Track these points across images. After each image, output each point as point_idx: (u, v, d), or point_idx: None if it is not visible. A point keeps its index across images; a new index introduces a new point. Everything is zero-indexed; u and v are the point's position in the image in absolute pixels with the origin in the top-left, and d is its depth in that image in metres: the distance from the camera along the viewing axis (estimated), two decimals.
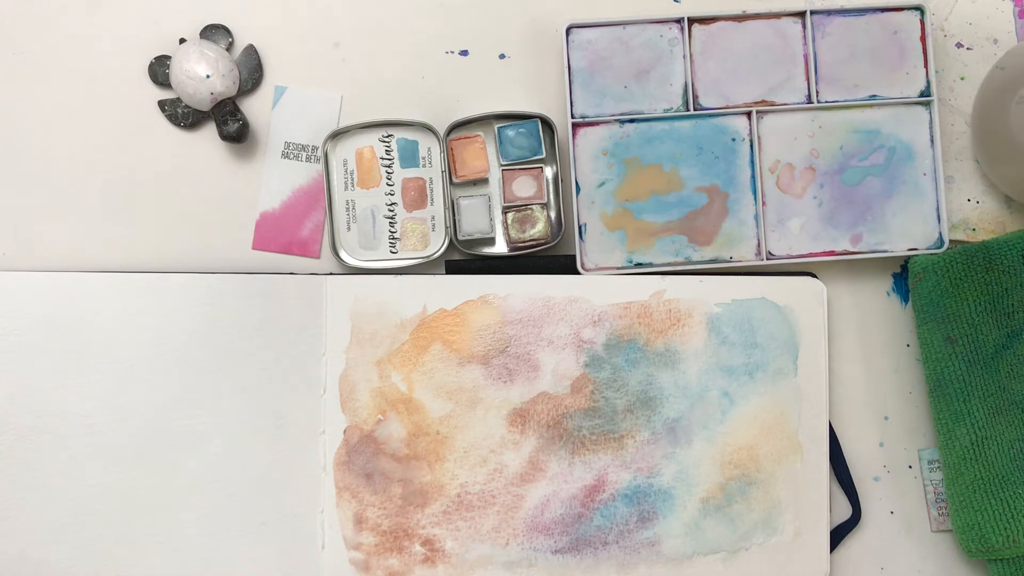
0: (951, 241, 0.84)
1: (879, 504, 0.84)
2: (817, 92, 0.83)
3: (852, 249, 0.83)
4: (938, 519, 0.83)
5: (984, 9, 0.86)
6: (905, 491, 0.84)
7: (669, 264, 0.83)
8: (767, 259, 0.82)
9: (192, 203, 0.84)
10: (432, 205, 0.83)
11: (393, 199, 0.83)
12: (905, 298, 0.85)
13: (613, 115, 0.83)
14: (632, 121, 0.83)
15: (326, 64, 0.85)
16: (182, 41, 0.84)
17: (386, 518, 0.81)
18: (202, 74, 0.81)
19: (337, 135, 0.83)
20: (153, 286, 0.81)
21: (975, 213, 0.84)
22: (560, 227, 0.83)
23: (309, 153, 0.84)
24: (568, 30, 0.83)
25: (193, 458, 0.81)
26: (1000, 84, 0.80)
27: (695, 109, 0.83)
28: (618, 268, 0.82)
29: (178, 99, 0.84)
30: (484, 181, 0.83)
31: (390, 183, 0.83)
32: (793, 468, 0.82)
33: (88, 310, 0.80)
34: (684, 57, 0.83)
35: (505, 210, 0.83)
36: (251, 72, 0.84)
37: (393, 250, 0.83)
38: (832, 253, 0.83)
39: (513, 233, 0.82)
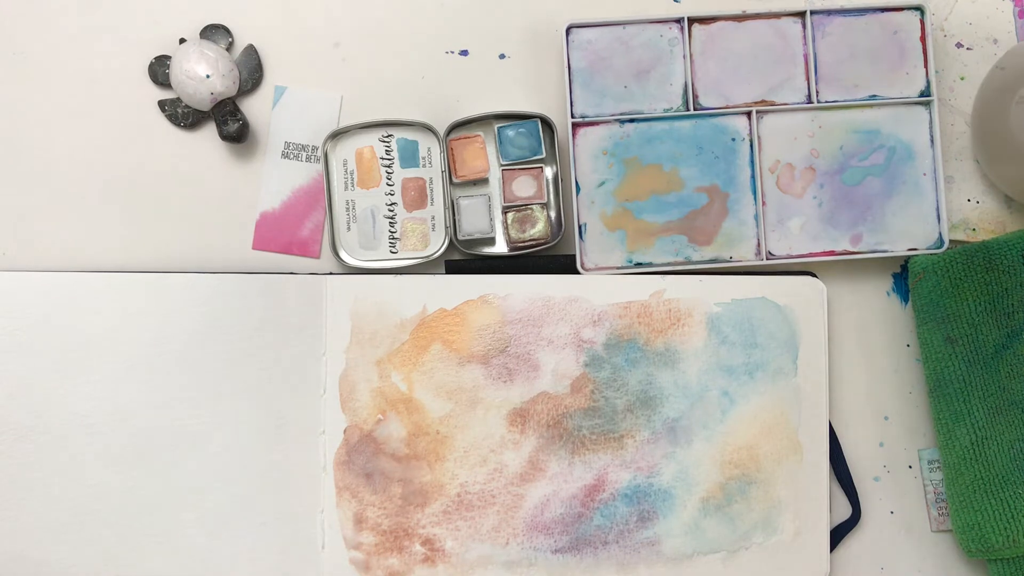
0: (951, 241, 0.84)
1: (879, 504, 0.84)
2: (817, 92, 0.83)
3: (852, 249, 0.83)
4: (938, 519, 0.83)
5: (984, 9, 0.86)
6: (905, 491, 0.84)
7: (669, 264, 0.83)
8: (767, 259, 0.82)
9: (192, 203, 0.84)
10: (432, 205, 0.83)
11: (393, 199, 0.83)
12: (905, 298, 0.85)
13: (613, 115, 0.83)
14: (632, 121, 0.83)
15: (326, 64, 0.85)
16: (182, 41, 0.84)
17: (386, 518, 0.81)
18: (202, 74, 0.81)
19: (337, 135, 0.83)
20: (153, 286, 0.81)
21: (975, 213, 0.84)
22: (560, 227, 0.83)
23: (309, 153, 0.84)
24: (568, 30, 0.83)
25: (193, 458, 0.81)
26: (1000, 84, 0.80)
27: (695, 109, 0.83)
28: (618, 268, 0.82)
29: (178, 99, 0.84)
30: (484, 181, 0.83)
31: (390, 183, 0.83)
32: (793, 468, 0.82)
33: (88, 310, 0.80)
34: (684, 57, 0.83)
35: (505, 210, 0.83)
36: (251, 72, 0.84)
37: (393, 250, 0.83)
38: (832, 253, 0.83)
39: (513, 233, 0.82)
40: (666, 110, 0.83)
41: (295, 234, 0.84)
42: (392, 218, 0.83)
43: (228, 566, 0.81)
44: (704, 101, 0.83)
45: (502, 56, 0.85)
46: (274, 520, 0.81)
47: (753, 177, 0.83)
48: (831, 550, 0.82)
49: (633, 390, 0.82)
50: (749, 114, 0.83)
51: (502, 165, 0.83)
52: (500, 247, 0.83)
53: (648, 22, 0.83)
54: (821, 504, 0.82)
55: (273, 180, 0.84)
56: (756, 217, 0.83)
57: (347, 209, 0.83)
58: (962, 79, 0.85)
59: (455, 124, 0.83)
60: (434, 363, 0.81)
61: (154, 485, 0.80)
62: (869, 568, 0.84)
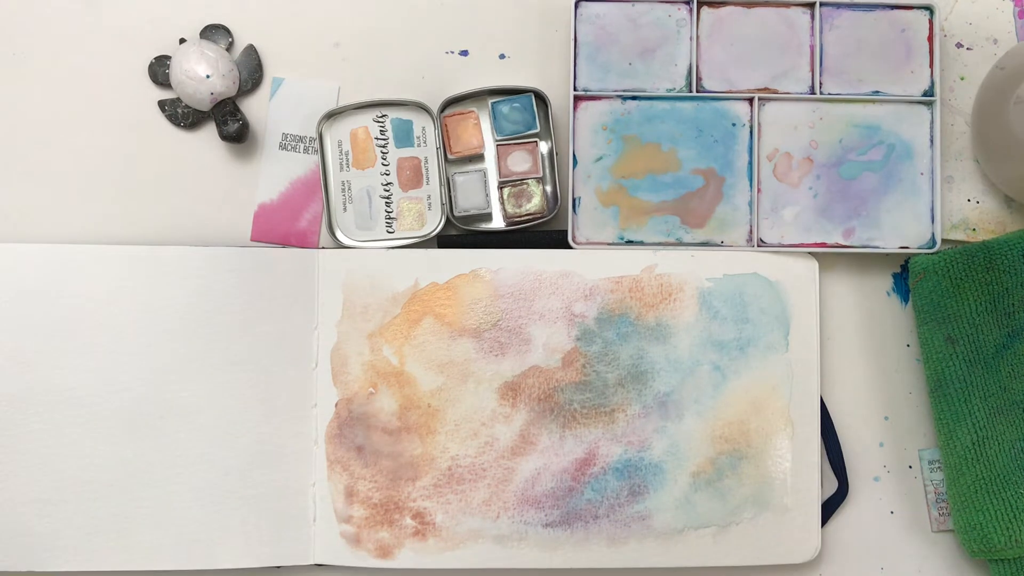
0: (950, 241, 0.84)
1: (879, 504, 0.84)
2: (821, 84, 0.83)
3: (844, 243, 0.83)
4: (939, 519, 0.83)
5: (984, 9, 0.86)
6: (905, 491, 0.84)
7: (660, 244, 0.83)
8: (758, 246, 0.82)
9: (191, 199, 0.84)
10: (428, 184, 0.84)
11: (389, 179, 0.84)
12: (905, 298, 0.85)
13: (616, 91, 0.83)
14: (634, 99, 0.83)
15: (326, 64, 0.85)
16: (182, 41, 0.84)
17: (377, 491, 0.81)
18: (202, 74, 0.82)
19: (332, 116, 0.83)
20: (145, 259, 0.81)
21: (975, 213, 0.84)
22: (556, 202, 0.83)
23: (307, 144, 0.84)
24: (577, 3, 0.83)
25: (184, 431, 0.81)
26: (1000, 84, 0.80)
27: (698, 91, 0.83)
28: (609, 244, 0.83)
29: (178, 99, 0.84)
30: (479, 157, 0.84)
31: (385, 163, 0.84)
32: (784, 443, 0.82)
33: (79, 282, 0.81)
34: (691, 39, 0.83)
35: (501, 185, 0.83)
36: (251, 72, 0.85)
37: (390, 230, 0.83)
38: (824, 245, 0.83)
39: (509, 208, 0.83)
40: (669, 90, 0.83)
41: (293, 225, 0.84)
42: (388, 198, 0.83)
43: (219, 539, 0.81)
44: (707, 84, 0.83)
45: (502, 56, 0.85)
46: (265, 493, 0.81)
47: (751, 163, 0.83)
48: (822, 525, 0.82)
49: (624, 364, 0.82)
50: (751, 100, 0.83)
51: (497, 140, 0.83)
52: (497, 223, 0.84)
53: (658, 1, 0.84)
54: (812, 480, 0.82)
55: (271, 172, 0.84)
56: (750, 203, 0.83)
57: (343, 190, 0.83)
58: (962, 79, 0.85)
59: (449, 100, 0.83)
60: (426, 337, 0.82)
61: (145, 458, 0.81)
62: (869, 568, 0.84)
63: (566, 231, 0.82)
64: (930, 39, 0.84)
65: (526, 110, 0.83)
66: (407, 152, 0.84)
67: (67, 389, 0.80)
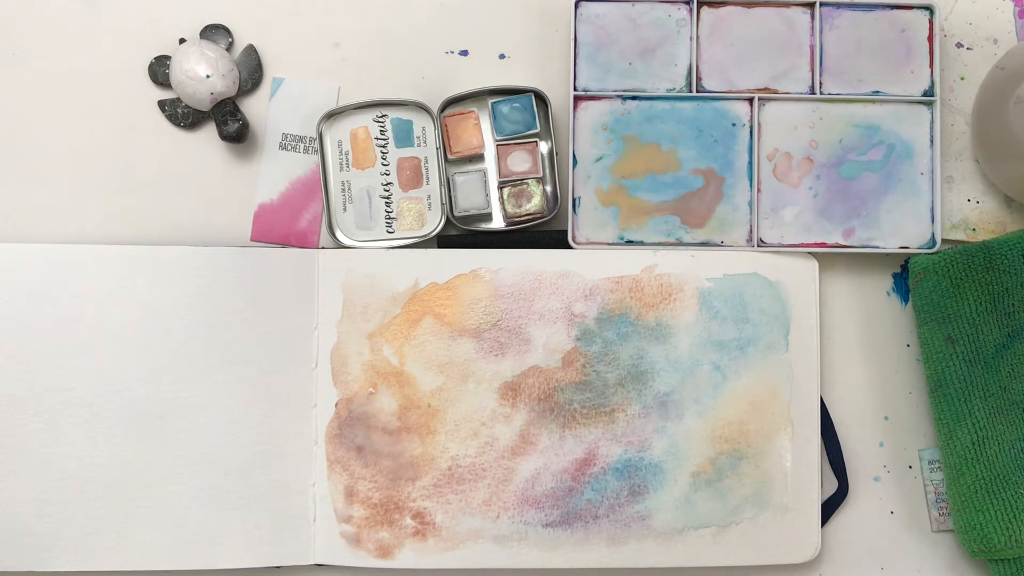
0: (950, 241, 0.84)
1: (879, 504, 0.84)
2: (821, 84, 0.83)
3: (844, 243, 0.83)
4: (939, 519, 0.83)
5: (984, 9, 0.86)
6: (905, 491, 0.84)
7: (660, 244, 0.83)
8: (758, 246, 0.82)
9: (191, 199, 0.84)
10: (428, 184, 0.84)
11: (389, 179, 0.84)
12: (905, 298, 0.85)
13: (616, 91, 0.83)
14: (634, 99, 0.83)
15: (326, 64, 0.85)
16: (182, 41, 0.84)
17: (377, 491, 0.81)
18: (202, 74, 0.82)
19: (332, 116, 0.83)
20: (145, 259, 0.81)
21: (975, 213, 0.84)
22: (556, 201, 0.83)
23: (307, 144, 0.84)
24: (577, 3, 0.83)
25: (184, 431, 0.81)
26: (1000, 84, 0.80)
27: (698, 91, 0.83)
28: (609, 244, 0.83)
29: (178, 99, 0.84)
30: (479, 157, 0.84)
31: (385, 163, 0.84)
32: (784, 443, 0.82)
33: (79, 282, 0.81)
34: (691, 39, 0.83)
35: (501, 185, 0.83)
36: (251, 72, 0.85)
37: (390, 230, 0.83)
38: (824, 245, 0.83)
39: (509, 208, 0.83)
40: (669, 90, 0.83)
41: (293, 225, 0.84)
42: (388, 198, 0.83)
43: (219, 539, 0.81)
44: (707, 84, 0.83)
45: (502, 56, 0.85)
46: (265, 493, 0.81)
47: (751, 163, 0.83)
48: (822, 525, 0.82)
49: (624, 364, 0.82)
50: (751, 100, 0.83)
51: (497, 140, 0.83)
52: (497, 223, 0.84)
53: (658, 1, 0.84)
54: (812, 480, 0.82)
55: (271, 172, 0.84)
56: (750, 203, 0.83)
57: (343, 190, 0.83)
58: (962, 79, 0.85)
59: (449, 100, 0.83)
60: (426, 337, 0.82)
61: (145, 458, 0.81)
62: (869, 568, 0.84)
63: (566, 231, 0.82)
64: (930, 39, 0.84)
65: (526, 110, 0.83)
66: (407, 152, 0.84)
67: (67, 389, 0.80)
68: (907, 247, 0.83)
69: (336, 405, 0.81)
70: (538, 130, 0.83)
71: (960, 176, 0.85)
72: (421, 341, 0.81)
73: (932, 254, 0.82)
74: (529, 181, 0.83)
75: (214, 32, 0.85)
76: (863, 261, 0.84)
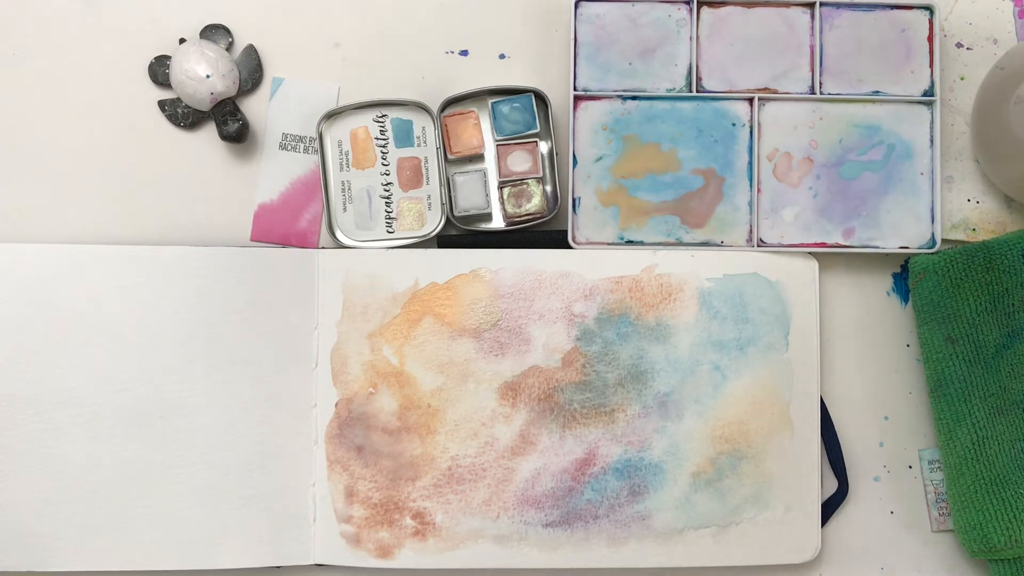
0: (950, 241, 0.84)
1: (879, 504, 0.84)
2: (821, 84, 0.83)
3: (844, 243, 0.83)
4: (938, 519, 0.83)
5: (984, 9, 0.86)
6: (905, 491, 0.84)
7: (660, 244, 0.83)
8: (758, 246, 0.82)
9: (191, 199, 0.84)
10: (428, 184, 0.84)
11: (389, 179, 0.84)
12: (905, 298, 0.85)
13: (616, 91, 0.83)
14: (634, 99, 0.83)
15: (326, 64, 0.85)
16: (182, 41, 0.84)
17: (377, 491, 0.81)
18: (202, 74, 0.82)
19: (332, 116, 0.83)
20: (145, 259, 0.81)
21: (975, 213, 0.84)
22: (556, 201, 0.83)
23: (307, 144, 0.84)
24: (577, 3, 0.83)
25: (184, 431, 0.81)
26: (1000, 84, 0.80)
27: (698, 91, 0.83)
28: (609, 244, 0.83)
29: (178, 99, 0.84)
30: (479, 157, 0.84)
31: (385, 163, 0.84)
32: (784, 443, 0.82)
33: (79, 282, 0.81)
34: (691, 39, 0.83)
35: (501, 185, 0.83)
36: (251, 72, 0.85)
37: (390, 230, 0.83)
38: (824, 245, 0.83)
39: (509, 208, 0.83)
40: (669, 90, 0.83)
41: (293, 225, 0.84)
42: (388, 198, 0.83)
43: (219, 539, 0.81)
44: (707, 84, 0.83)
45: (502, 56, 0.85)
46: (265, 493, 0.81)
47: (751, 163, 0.83)
48: (822, 525, 0.82)
49: (624, 364, 0.82)
50: (751, 100, 0.83)
51: (497, 140, 0.83)
52: (497, 223, 0.84)
53: (658, 1, 0.84)
54: (812, 480, 0.82)
55: (271, 172, 0.84)
56: (750, 203, 0.83)
57: (343, 190, 0.83)
58: (962, 79, 0.85)
59: (449, 100, 0.83)
60: (425, 337, 0.82)
61: (145, 458, 0.81)
62: (868, 568, 0.84)
63: (566, 231, 0.82)
64: (930, 39, 0.84)
65: (526, 110, 0.83)
66: (407, 152, 0.84)
67: (67, 389, 0.80)
68: (907, 247, 0.83)
69: (336, 405, 0.81)
70: (538, 130, 0.83)
71: (960, 176, 0.85)
72: (421, 341, 0.81)
73: (932, 254, 0.82)
74: (529, 181, 0.83)
75: (214, 32, 0.85)
76: (863, 261, 0.84)
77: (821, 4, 0.83)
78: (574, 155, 0.83)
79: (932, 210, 0.83)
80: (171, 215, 0.84)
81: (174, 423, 0.81)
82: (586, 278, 0.82)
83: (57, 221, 0.84)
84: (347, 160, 0.84)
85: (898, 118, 0.83)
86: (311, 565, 0.82)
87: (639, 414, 0.82)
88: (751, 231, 0.83)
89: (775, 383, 0.82)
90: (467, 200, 0.83)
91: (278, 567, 0.82)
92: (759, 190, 0.83)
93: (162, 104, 0.85)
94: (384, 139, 0.84)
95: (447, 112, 0.83)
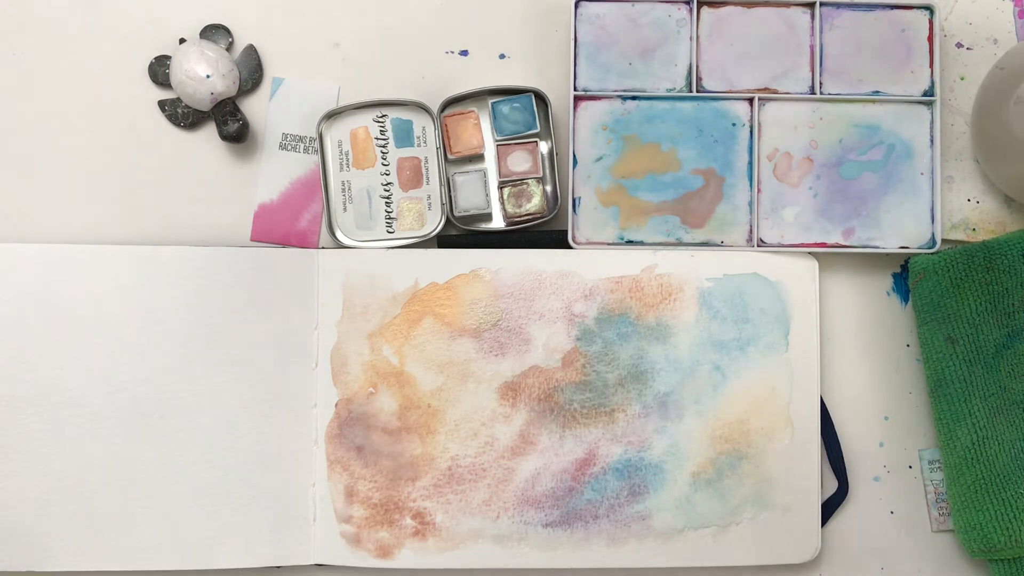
0: (950, 241, 0.84)
1: (879, 504, 0.84)
2: (821, 84, 0.83)
3: (844, 243, 0.83)
4: (939, 519, 0.83)
5: (984, 9, 0.86)
6: (905, 491, 0.84)
7: (660, 244, 0.83)
8: (758, 246, 0.82)
9: (191, 199, 0.84)
10: (428, 184, 0.84)
11: (389, 179, 0.84)
12: (905, 298, 0.85)
13: (616, 91, 0.83)
14: (634, 99, 0.83)
15: (326, 64, 0.85)
16: (182, 41, 0.84)
17: (377, 491, 0.81)
18: (202, 74, 0.82)
19: (332, 116, 0.83)
20: (145, 259, 0.81)
21: (975, 213, 0.84)
22: (556, 201, 0.83)
23: (307, 144, 0.84)
24: (577, 3, 0.83)
25: (184, 431, 0.81)
26: (1000, 84, 0.80)
27: (698, 91, 0.83)
28: (609, 244, 0.83)
29: (178, 99, 0.84)
30: (480, 157, 0.84)
31: (385, 163, 0.84)
32: (784, 443, 0.82)
33: (79, 282, 0.81)
34: (691, 39, 0.83)
35: (501, 185, 0.83)
36: (251, 72, 0.85)
37: (390, 230, 0.83)
38: (824, 245, 0.83)
39: (509, 208, 0.83)
40: (669, 90, 0.83)
41: (293, 225, 0.84)
42: (388, 198, 0.83)
43: (218, 539, 0.81)
44: (707, 84, 0.83)
45: (502, 56, 0.85)
46: (265, 493, 0.81)
47: (751, 163, 0.83)
48: (822, 525, 0.82)
49: (624, 364, 0.82)
50: (751, 100, 0.83)
51: (497, 140, 0.83)
52: (497, 223, 0.84)
53: (658, 1, 0.84)
54: (812, 480, 0.82)
55: (271, 172, 0.84)
56: (750, 203, 0.83)
57: (343, 190, 0.83)
58: (962, 79, 0.85)
59: (449, 100, 0.83)
60: (425, 337, 0.82)
61: (145, 458, 0.81)
62: (869, 568, 0.84)
63: (566, 231, 0.82)
64: (930, 39, 0.84)
65: (526, 110, 0.83)
66: (407, 152, 0.84)
67: (67, 389, 0.80)
68: (907, 247, 0.83)
69: (336, 405, 0.81)
70: (538, 130, 0.83)
71: (960, 176, 0.85)
72: (421, 341, 0.81)
73: (932, 254, 0.82)
74: (529, 181, 0.83)
75: (214, 32, 0.85)
76: (863, 261, 0.84)
77: (821, 4, 0.83)
78: (574, 155, 0.83)
79: (932, 210, 0.83)
80: (171, 215, 0.84)
81: (174, 423, 0.81)
82: (586, 278, 0.82)
83: (57, 221, 0.84)
84: (347, 160, 0.84)
85: (898, 118, 0.83)
86: (311, 565, 0.82)
87: (639, 414, 0.82)
88: (751, 231, 0.83)
89: (775, 383, 0.82)
90: (467, 200, 0.83)
91: (278, 567, 0.82)
92: (759, 190, 0.83)
93: (162, 104, 0.85)
94: (384, 139, 0.84)
95: (447, 112, 0.83)
